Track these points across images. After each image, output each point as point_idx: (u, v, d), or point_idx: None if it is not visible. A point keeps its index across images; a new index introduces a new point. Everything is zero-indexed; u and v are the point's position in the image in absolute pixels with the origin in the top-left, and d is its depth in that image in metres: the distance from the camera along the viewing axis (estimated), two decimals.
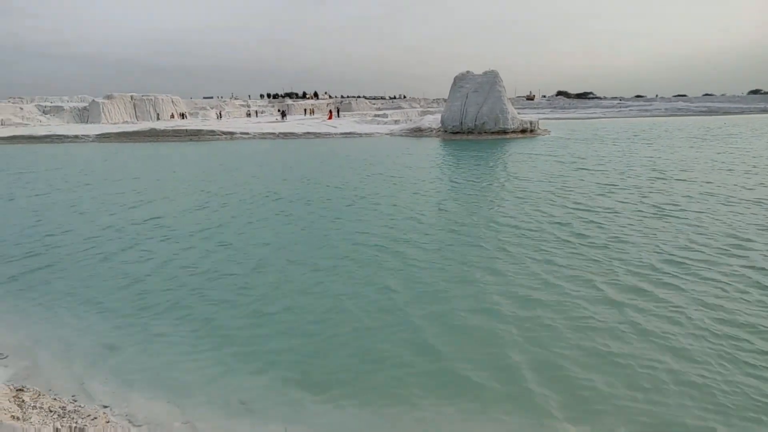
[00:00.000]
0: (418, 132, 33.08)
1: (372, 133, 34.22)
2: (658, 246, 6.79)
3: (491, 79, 29.93)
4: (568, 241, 7.04)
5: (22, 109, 51.32)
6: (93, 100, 53.47)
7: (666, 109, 70.00)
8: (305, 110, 66.76)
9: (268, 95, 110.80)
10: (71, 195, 11.84)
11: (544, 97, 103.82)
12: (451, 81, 31.80)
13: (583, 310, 4.84)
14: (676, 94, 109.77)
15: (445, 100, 37.03)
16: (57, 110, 53.17)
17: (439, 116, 34.99)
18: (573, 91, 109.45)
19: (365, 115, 55.76)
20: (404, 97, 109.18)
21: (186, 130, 34.32)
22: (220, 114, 61.03)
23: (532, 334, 4.41)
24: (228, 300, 5.27)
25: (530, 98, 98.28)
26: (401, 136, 33.22)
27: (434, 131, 32.27)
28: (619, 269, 5.92)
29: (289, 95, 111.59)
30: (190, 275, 6.06)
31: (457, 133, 29.90)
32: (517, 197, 10.40)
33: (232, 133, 33.81)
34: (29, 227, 8.65)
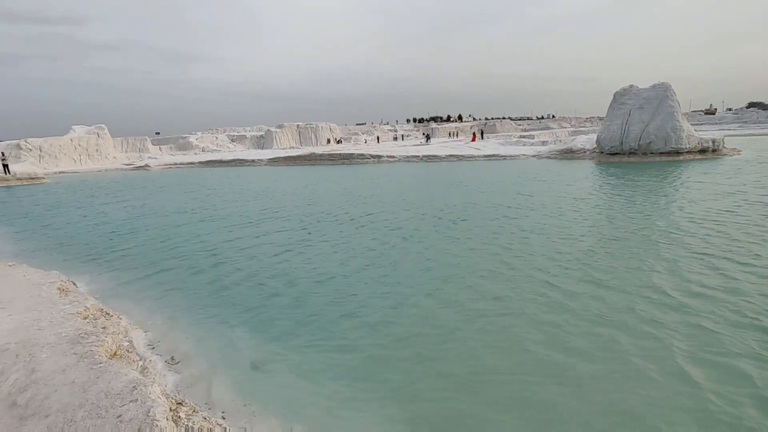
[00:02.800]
0: (568, 154, 30.60)
1: (517, 156, 32.80)
2: None
3: (661, 92, 26.21)
4: None
5: (216, 138, 62.38)
6: (268, 129, 62.26)
7: None
8: (450, 133, 67.55)
9: (414, 119, 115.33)
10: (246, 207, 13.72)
11: (730, 110, 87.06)
12: (610, 98, 28.78)
13: None
14: None
15: (600, 119, 33.62)
16: (241, 138, 63.25)
17: (593, 136, 31.91)
18: None
19: (510, 136, 53.96)
20: (553, 116, 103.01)
21: (339, 154, 37.48)
22: (378, 138, 65.43)
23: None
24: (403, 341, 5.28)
25: (710, 112, 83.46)
26: (549, 158, 31.12)
27: (588, 153, 29.46)
28: None
29: (434, 119, 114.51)
30: (365, 304, 6.31)
31: (616, 154, 26.77)
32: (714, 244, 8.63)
33: (379, 157, 35.80)
34: (222, 239, 10.17)
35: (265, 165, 37.94)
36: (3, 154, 32.09)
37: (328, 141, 61.78)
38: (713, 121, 68.67)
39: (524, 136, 50.45)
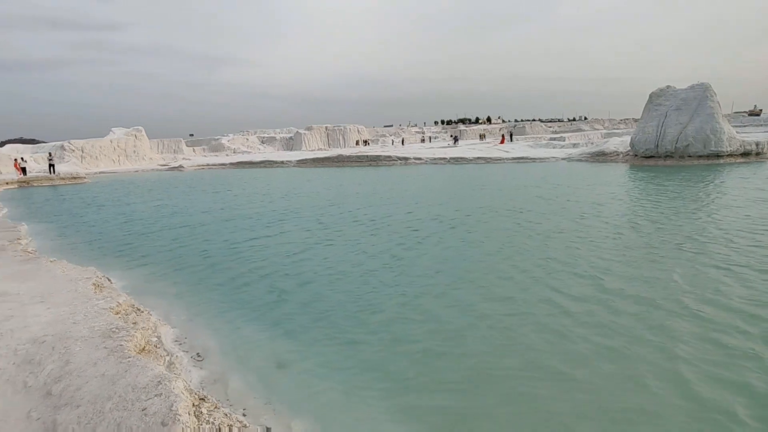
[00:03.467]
0: (600, 156, 29.77)
1: (546, 158, 32.15)
2: None
3: (700, 93, 25.15)
4: None
5: (248, 140, 63.81)
6: (297, 131, 63.24)
7: None
8: (480, 135, 66.87)
9: (442, 121, 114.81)
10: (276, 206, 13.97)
11: None
12: (645, 99, 27.84)
13: None
14: None
15: (635, 121, 32.59)
16: (271, 140, 64.47)
17: (627, 139, 30.96)
18: None
19: (540, 138, 52.96)
20: (585, 118, 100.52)
21: (366, 156, 37.67)
22: (403, 141, 65.52)
23: None
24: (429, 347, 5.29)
25: (755, 113, 79.49)
26: (580, 161, 30.35)
27: (621, 156, 28.58)
28: None
29: (462, 121, 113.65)
30: (389, 305, 6.35)
31: (651, 157, 25.85)
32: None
33: (406, 159, 35.78)
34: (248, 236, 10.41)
35: (293, 166, 38.51)
36: (50, 154, 33.77)
37: (357, 143, 62.21)
38: (758, 122, 65.35)
39: (554, 139, 49.43)
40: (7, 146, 43.98)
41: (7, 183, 26.79)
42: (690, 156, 24.44)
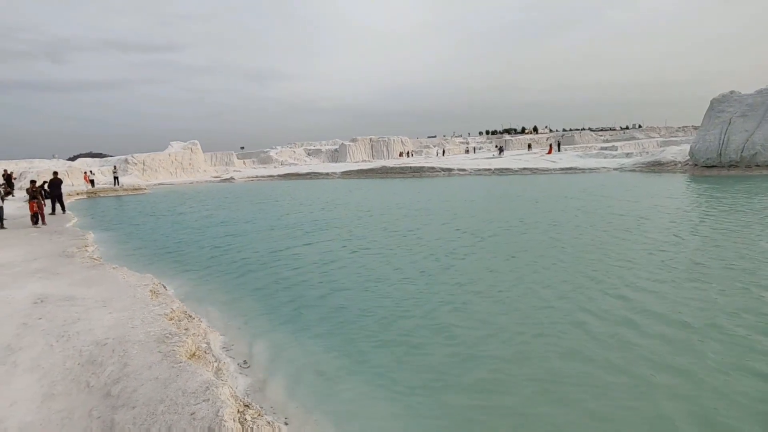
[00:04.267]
0: (656, 166, 28.29)
1: (597, 168, 30.93)
2: None
3: None
4: None
5: (294, 152, 65.77)
6: (342, 143, 64.48)
7: None
8: (528, 145, 65.44)
9: (487, 132, 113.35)
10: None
11: None
12: (706, 105, 26.25)
13: None
14: None
15: (695, 128, 30.85)
16: (317, 152, 66.08)
17: (685, 147, 29.25)
18: None
19: (590, 148, 51.06)
20: (639, 126, 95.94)
21: (410, 167, 37.79)
22: (444, 151, 65.31)
23: None
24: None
25: None
26: (634, 171, 28.97)
27: (679, 165, 27.02)
28: None
29: (508, 131, 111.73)
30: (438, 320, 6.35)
31: (713, 167, 24.26)
32: None
33: (450, 170, 35.56)
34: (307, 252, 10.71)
35: (338, 177, 39.24)
36: (115, 168, 36.36)
37: (400, 154, 62.55)
38: None
39: (606, 148, 47.47)
40: (79, 160, 47.78)
41: (78, 194, 29.03)
42: (758, 165, 22.75)
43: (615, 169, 30.22)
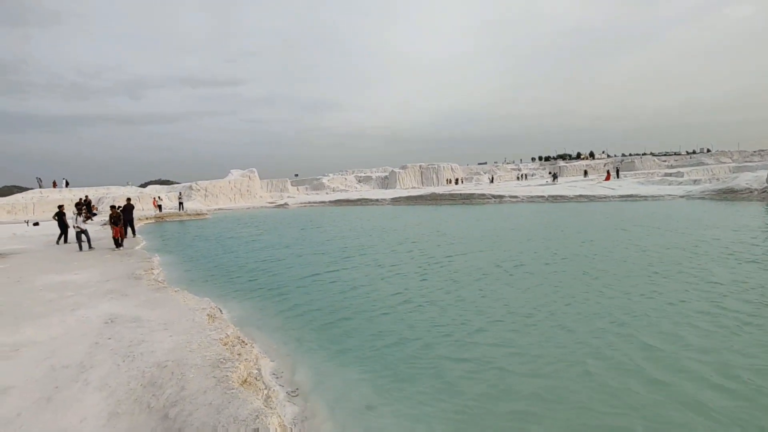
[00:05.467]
0: (729, 194, 26.28)
1: (660, 196, 29.20)
2: None
3: None
4: None
5: (346, 179, 67.39)
6: (392, 170, 65.33)
7: None
8: (585, 172, 63.19)
9: (539, 158, 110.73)
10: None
11: None
12: None
13: None
14: None
15: None
16: (367, 179, 67.34)
17: (763, 174, 27.04)
18: None
19: (652, 174, 48.41)
20: (707, 150, 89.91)
21: (460, 194, 37.53)
22: (492, 178, 64.44)
23: None
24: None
25: None
26: (703, 198, 27.08)
27: (755, 193, 24.96)
28: None
29: (562, 157, 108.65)
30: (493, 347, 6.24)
31: None
32: None
33: (501, 197, 34.94)
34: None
35: (387, 204, 39.62)
36: (180, 194, 38.94)
37: (449, 181, 62.38)
38: None
39: (670, 174, 44.83)
40: (149, 187, 51.66)
41: (147, 218, 31.23)
42: None
43: (681, 197, 28.40)
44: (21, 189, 53.18)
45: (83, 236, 15.55)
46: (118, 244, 15.75)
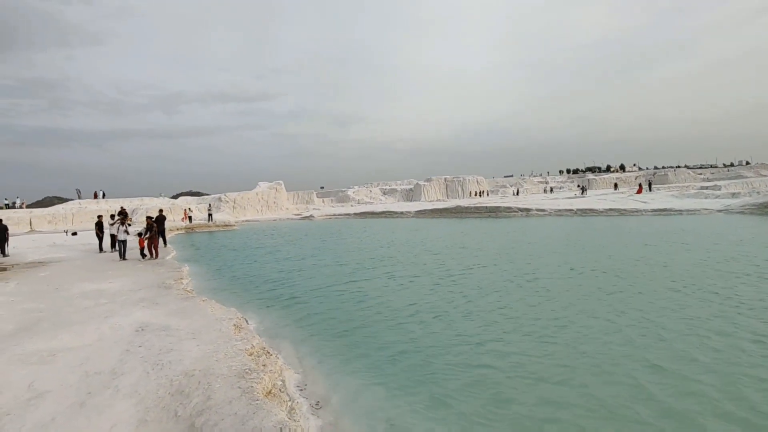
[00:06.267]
0: None
1: (696, 210, 28.13)
2: None
3: None
4: None
5: (371, 191, 67.76)
6: (416, 183, 65.36)
7: None
8: (615, 185, 61.65)
9: (567, 170, 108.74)
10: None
11: None
12: None
13: None
14: None
15: None
16: (392, 191, 67.49)
17: None
18: None
19: (687, 187, 46.77)
20: (746, 163, 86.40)
21: (486, 207, 37.10)
22: (518, 191, 63.60)
23: None
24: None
25: None
26: (743, 213, 25.93)
27: None
28: None
29: (591, 169, 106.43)
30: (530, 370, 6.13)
31: None
32: None
33: (527, 210, 34.36)
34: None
35: (412, 217, 39.54)
36: (210, 205, 39.94)
37: (474, 194, 61.87)
38: None
39: (706, 187, 43.17)
40: (180, 198, 53.22)
41: (177, 229, 32.12)
42: None
43: (719, 211, 27.29)
44: (62, 200, 55.79)
45: (122, 246, 16.16)
46: (144, 255, 16.22)
